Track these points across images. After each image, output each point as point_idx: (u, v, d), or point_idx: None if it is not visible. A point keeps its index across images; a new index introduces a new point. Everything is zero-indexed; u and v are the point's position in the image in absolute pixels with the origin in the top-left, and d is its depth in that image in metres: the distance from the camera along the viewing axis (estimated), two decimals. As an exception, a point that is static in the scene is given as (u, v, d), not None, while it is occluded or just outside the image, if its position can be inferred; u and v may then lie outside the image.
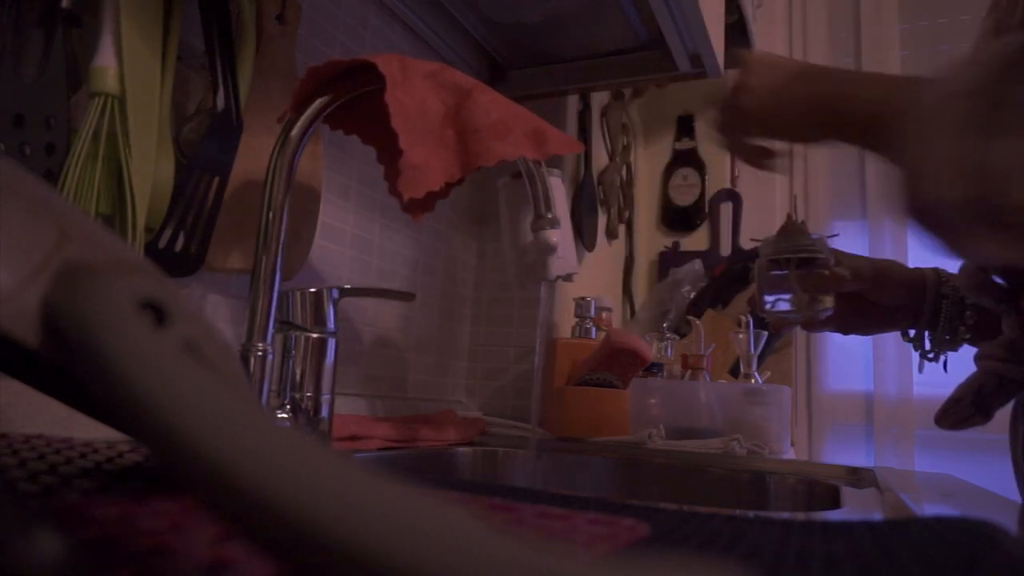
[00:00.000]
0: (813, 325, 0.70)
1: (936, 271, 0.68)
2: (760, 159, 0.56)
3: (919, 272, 0.68)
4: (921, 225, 0.40)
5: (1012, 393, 0.56)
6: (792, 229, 0.68)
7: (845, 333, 0.72)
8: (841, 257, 0.67)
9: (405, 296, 0.74)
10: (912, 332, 0.69)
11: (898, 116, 0.41)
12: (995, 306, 0.56)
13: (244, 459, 0.13)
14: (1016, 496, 0.58)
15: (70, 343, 0.16)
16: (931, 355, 0.68)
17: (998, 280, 0.57)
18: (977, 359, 0.58)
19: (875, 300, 0.67)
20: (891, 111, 0.42)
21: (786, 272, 0.65)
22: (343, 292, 0.68)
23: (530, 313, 1.15)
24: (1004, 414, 0.60)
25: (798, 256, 0.65)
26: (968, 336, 0.65)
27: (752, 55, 0.53)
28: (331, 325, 0.66)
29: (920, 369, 0.68)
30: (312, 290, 0.65)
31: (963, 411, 0.55)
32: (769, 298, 0.66)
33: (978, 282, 0.56)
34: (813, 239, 0.66)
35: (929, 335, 0.67)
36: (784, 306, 0.66)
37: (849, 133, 0.47)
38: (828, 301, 0.64)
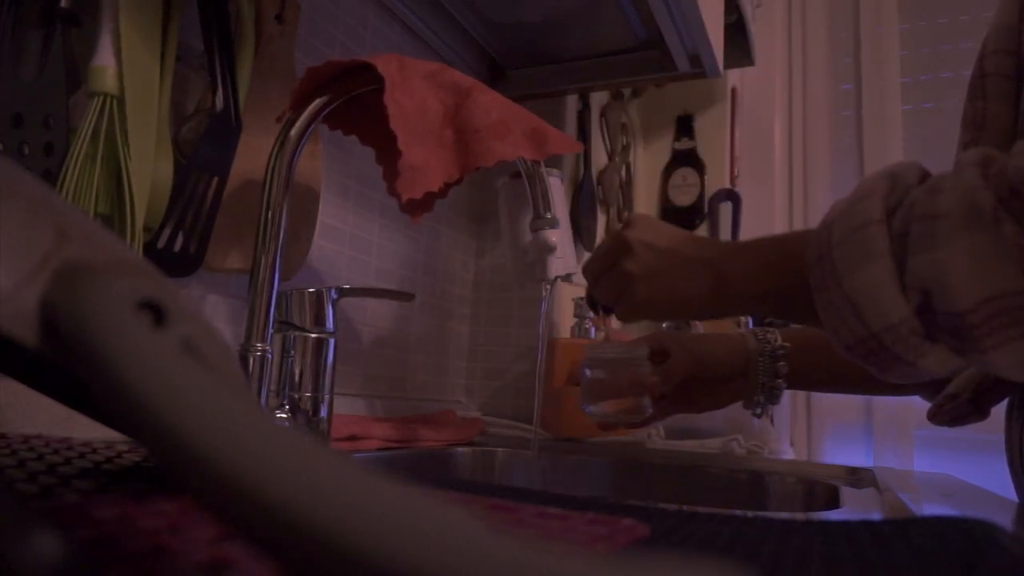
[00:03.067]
0: (637, 425, 0.72)
1: (755, 331, 0.71)
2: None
3: (741, 340, 0.70)
4: (867, 358, 0.39)
5: (1008, 391, 0.56)
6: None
7: (697, 412, 0.75)
8: (668, 343, 0.70)
9: (404, 296, 0.74)
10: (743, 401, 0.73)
11: (800, 269, 0.42)
12: None
13: (243, 459, 0.12)
14: (1015, 496, 0.58)
15: (69, 343, 0.16)
16: (759, 413, 0.72)
17: None
18: None
19: (703, 377, 0.70)
20: (789, 271, 0.44)
21: (604, 377, 0.66)
22: (342, 292, 0.68)
23: (530, 313, 1.15)
24: (1001, 412, 0.60)
25: (615, 361, 0.66)
26: (785, 386, 0.69)
27: (628, 237, 0.52)
28: (330, 325, 0.66)
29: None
30: (311, 290, 0.65)
31: (960, 407, 0.55)
32: (587, 405, 0.67)
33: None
34: (632, 344, 0.68)
35: (759, 398, 0.71)
36: (605, 409, 0.67)
37: (743, 308, 0.49)
38: (646, 405, 0.66)
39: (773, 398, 0.70)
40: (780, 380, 0.68)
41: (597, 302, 0.59)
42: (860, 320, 0.37)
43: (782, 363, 0.68)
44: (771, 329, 0.71)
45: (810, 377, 0.71)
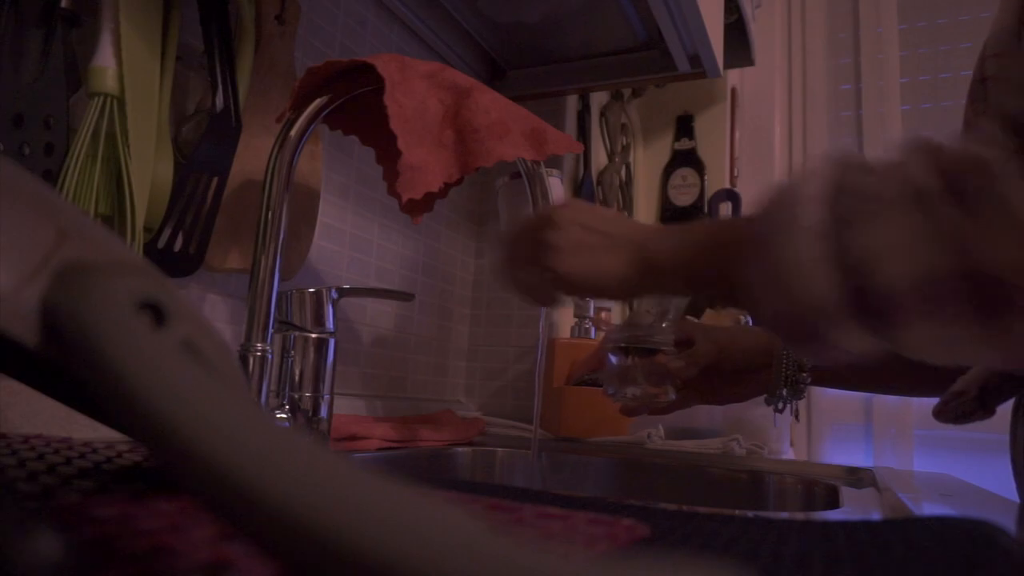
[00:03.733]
0: (660, 410, 0.73)
1: None
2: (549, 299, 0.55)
3: (764, 336, 0.70)
4: (788, 331, 0.39)
5: (1014, 390, 0.55)
6: (638, 318, 0.69)
7: (718, 404, 0.75)
8: (694, 331, 0.69)
9: (404, 296, 0.74)
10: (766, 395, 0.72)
11: (727, 244, 0.42)
12: None
13: (242, 459, 0.13)
14: (1015, 496, 0.58)
15: (69, 343, 0.16)
16: (781, 408, 0.71)
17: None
18: None
19: (740, 369, 0.70)
20: (716, 248, 0.43)
21: (630, 362, 0.66)
22: (342, 292, 0.68)
23: (530, 313, 1.15)
24: (1004, 413, 0.60)
25: (641, 346, 0.66)
26: (809, 381, 0.69)
27: (555, 215, 0.50)
28: (330, 325, 0.66)
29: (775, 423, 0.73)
30: (311, 290, 0.65)
31: (967, 405, 0.55)
32: (612, 389, 0.68)
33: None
34: (657, 328, 0.68)
35: (781, 392, 0.70)
36: (630, 394, 0.67)
37: (667, 286, 0.48)
38: (670, 391, 0.66)
39: (797, 392, 0.69)
40: (804, 374, 0.68)
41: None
42: (786, 295, 0.37)
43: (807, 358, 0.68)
44: None
45: (838, 374, 0.70)
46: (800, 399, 0.70)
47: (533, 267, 0.52)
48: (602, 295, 0.50)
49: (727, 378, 0.71)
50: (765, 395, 0.72)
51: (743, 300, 0.42)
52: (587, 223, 0.50)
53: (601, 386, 0.99)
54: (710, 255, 0.44)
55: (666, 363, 0.66)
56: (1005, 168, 0.32)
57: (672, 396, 0.66)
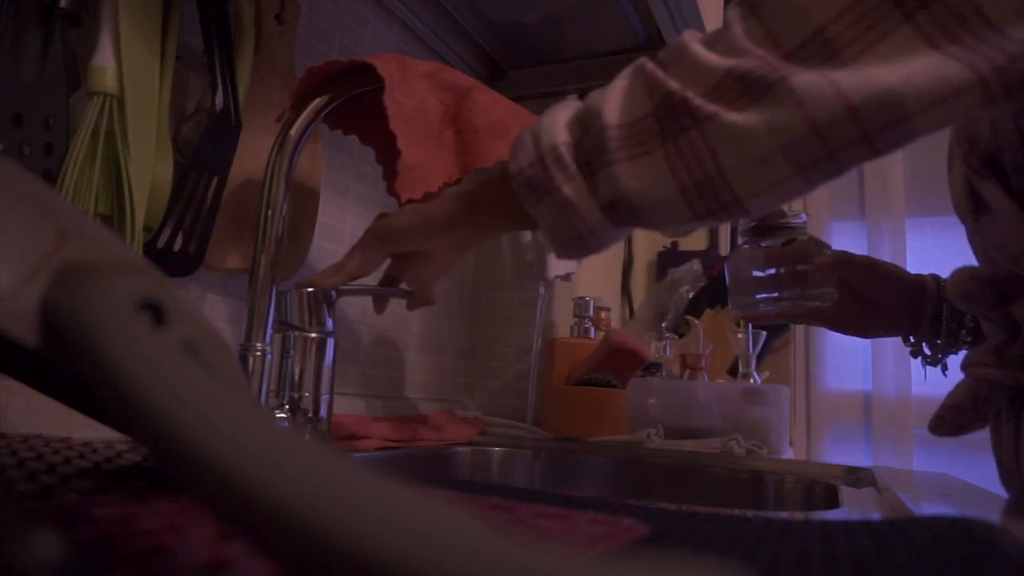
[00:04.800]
0: (810, 316, 0.67)
1: (935, 277, 0.67)
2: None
3: (918, 276, 0.67)
4: (528, 190, 0.46)
5: (1002, 397, 0.56)
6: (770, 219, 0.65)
7: (842, 331, 0.71)
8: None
9: (404, 294, 0.74)
10: (912, 338, 0.68)
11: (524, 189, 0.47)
12: (985, 314, 0.56)
13: (242, 459, 0.13)
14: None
15: (69, 343, 0.16)
16: (931, 360, 0.67)
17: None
18: (965, 367, 0.58)
19: (874, 298, 0.67)
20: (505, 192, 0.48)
21: (772, 271, 0.63)
22: (341, 291, 0.68)
23: (529, 313, 1.15)
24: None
25: (784, 252, 0.62)
26: (969, 340, 0.65)
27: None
28: (329, 325, 0.66)
29: (925, 376, 0.67)
30: (310, 290, 0.65)
31: (963, 417, 0.56)
32: (768, 296, 0.63)
33: (968, 291, 0.56)
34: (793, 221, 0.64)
35: (929, 341, 0.67)
36: (787, 299, 0.62)
37: (494, 219, 0.53)
38: (829, 290, 0.61)
39: (953, 346, 0.65)
40: (964, 332, 0.64)
41: None
42: (535, 145, 0.45)
43: (969, 316, 0.64)
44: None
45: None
46: (954, 353, 0.65)
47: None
48: (428, 237, 0.56)
49: (867, 307, 0.66)
50: (911, 340, 0.67)
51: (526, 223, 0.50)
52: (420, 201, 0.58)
53: (606, 384, 0.99)
54: (500, 193, 0.50)
55: (815, 264, 0.61)
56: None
57: (834, 293, 0.60)
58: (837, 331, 0.70)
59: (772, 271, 0.63)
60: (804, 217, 0.63)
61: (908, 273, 0.67)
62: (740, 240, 0.64)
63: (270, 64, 0.70)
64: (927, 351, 0.67)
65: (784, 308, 0.64)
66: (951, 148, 0.56)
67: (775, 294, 0.63)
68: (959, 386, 0.57)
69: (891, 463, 1.72)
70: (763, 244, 0.62)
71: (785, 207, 0.61)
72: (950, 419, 0.56)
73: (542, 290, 0.70)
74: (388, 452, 0.75)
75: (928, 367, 0.67)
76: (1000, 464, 0.59)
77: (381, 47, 0.94)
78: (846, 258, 0.65)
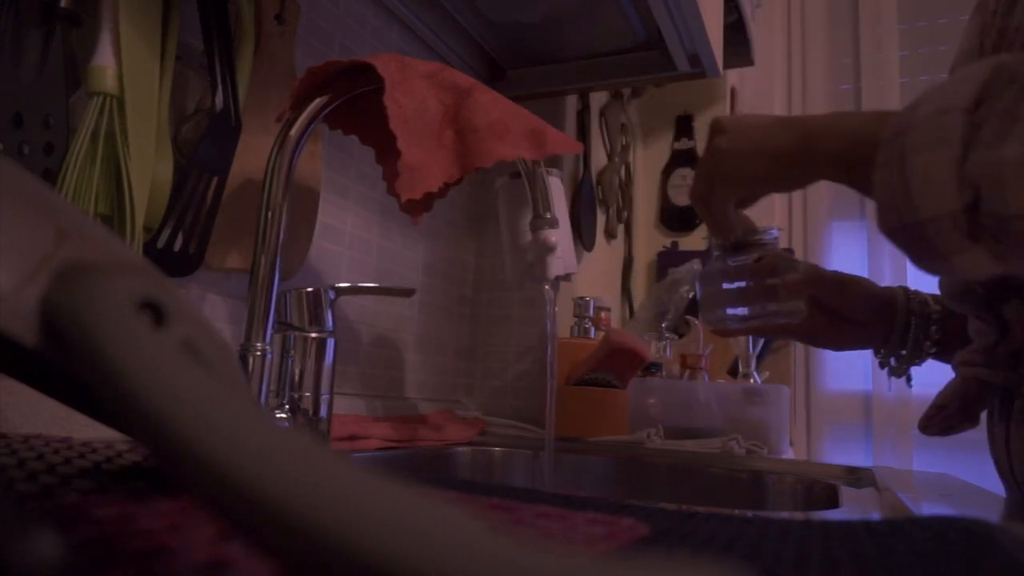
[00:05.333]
0: (781, 331, 0.68)
1: (904, 289, 0.68)
2: (738, 232, 0.56)
3: (888, 289, 0.68)
4: (906, 245, 0.39)
5: (993, 397, 0.56)
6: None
7: (815, 345, 0.71)
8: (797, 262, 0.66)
9: (403, 292, 0.74)
10: (882, 351, 0.69)
11: (878, 142, 0.41)
12: (976, 314, 0.56)
13: (242, 458, 0.13)
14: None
15: (69, 343, 0.16)
16: (895, 371, 0.68)
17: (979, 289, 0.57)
18: (956, 365, 0.58)
19: (846, 313, 0.67)
20: (871, 138, 0.42)
21: (742, 284, 0.62)
22: (341, 291, 0.68)
23: (530, 313, 1.15)
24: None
25: (752, 264, 0.62)
26: (933, 351, 0.66)
27: (722, 119, 0.53)
28: (329, 325, 0.66)
29: (890, 387, 0.68)
30: (309, 290, 0.65)
31: (951, 418, 0.56)
32: (736, 311, 0.63)
33: (962, 291, 0.56)
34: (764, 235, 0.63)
35: (896, 353, 0.67)
36: (754, 312, 0.62)
37: (829, 169, 0.46)
38: (798, 306, 0.61)
39: (917, 357, 0.66)
40: (929, 343, 0.65)
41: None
42: (909, 204, 0.37)
43: (935, 327, 0.65)
44: (921, 292, 0.67)
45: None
46: (918, 364, 0.66)
47: (707, 180, 0.53)
48: (759, 181, 0.50)
49: (838, 321, 0.67)
50: (880, 352, 0.68)
51: (875, 187, 0.41)
52: (749, 122, 0.51)
53: (606, 384, 0.99)
54: (857, 150, 0.43)
55: (786, 280, 0.61)
56: None
57: (804, 309, 0.61)
58: (810, 344, 0.70)
59: (741, 285, 0.63)
60: (776, 233, 0.64)
61: (878, 287, 0.68)
62: (713, 255, 0.64)
63: (270, 64, 0.70)
64: (893, 363, 0.68)
65: (753, 324, 0.64)
66: None
67: (744, 310, 0.63)
68: (949, 385, 0.57)
69: (891, 463, 1.73)
70: (733, 260, 0.63)
71: (758, 222, 0.62)
72: (939, 419, 0.56)
73: (548, 293, 0.70)
74: (388, 452, 0.75)
75: (893, 378, 0.68)
76: (997, 464, 0.59)
77: (381, 47, 0.94)
78: (816, 274, 0.65)
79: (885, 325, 0.67)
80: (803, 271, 0.63)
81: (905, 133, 0.38)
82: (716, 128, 0.52)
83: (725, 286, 0.63)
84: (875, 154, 0.41)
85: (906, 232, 0.38)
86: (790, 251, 0.65)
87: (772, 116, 0.51)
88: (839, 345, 0.69)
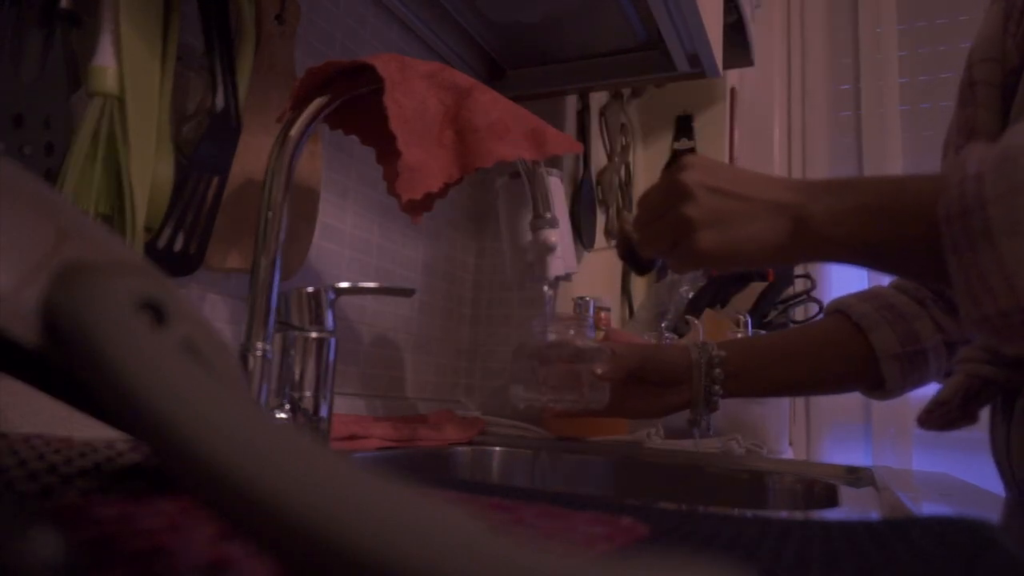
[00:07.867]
0: (586, 413, 0.69)
1: (701, 345, 0.69)
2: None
3: (685, 350, 0.69)
4: (1002, 332, 0.37)
5: (994, 395, 0.56)
6: (560, 325, 0.67)
7: (630, 417, 0.73)
8: (616, 344, 0.69)
9: (402, 292, 0.74)
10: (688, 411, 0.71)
11: (912, 219, 0.39)
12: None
13: (242, 458, 0.13)
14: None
15: (69, 343, 0.16)
16: (699, 422, 0.70)
17: None
18: (958, 362, 0.58)
19: (652, 379, 0.69)
20: (897, 215, 0.40)
21: (561, 368, 0.64)
22: (341, 291, 0.68)
23: (530, 313, 1.15)
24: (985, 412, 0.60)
25: (575, 350, 0.64)
26: (721, 394, 0.67)
27: (687, 182, 0.47)
28: (330, 325, 0.66)
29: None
30: (309, 290, 0.65)
31: (950, 413, 0.56)
32: (538, 394, 0.65)
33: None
34: (580, 334, 0.66)
35: (702, 408, 0.69)
36: (555, 396, 0.65)
37: (843, 252, 0.43)
38: (604, 392, 0.64)
39: (712, 405, 0.68)
40: (717, 387, 0.67)
41: (636, 256, 0.53)
42: (1011, 291, 0.35)
43: (718, 370, 0.67)
44: (709, 342, 0.69)
45: (754, 385, 0.69)
46: (714, 410, 0.69)
47: (669, 244, 0.48)
48: (748, 266, 0.46)
49: (646, 390, 0.69)
50: (689, 413, 0.70)
51: (936, 281, 0.40)
52: (723, 187, 0.46)
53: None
54: (894, 229, 0.41)
55: (592, 368, 0.64)
56: None
57: (606, 397, 0.64)
58: (620, 416, 0.73)
59: (551, 368, 0.65)
60: (591, 322, 0.67)
61: (674, 351, 0.70)
62: (535, 327, 0.67)
63: (270, 64, 0.70)
64: (700, 418, 0.70)
65: (556, 408, 0.66)
66: (948, 137, 0.57)
67: (547, 395, 0.65)
68: (951, 382, 0.57)
69: (890, 463, 1.73)
70: (551, 337, 0.66)
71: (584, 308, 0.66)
72: (939, 414, 0.56)
73: (548, 294, 0.70)
74: (388, 452, 0.75)
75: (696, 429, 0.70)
76: (998, 464, 0.59)
77: (381, 47, 0.94)
78: (621, 364, 0.66)
79: (685, 385, 0.69)
80: (610, 364, 0.65)
81: (982, 212, 0.36)
82: (682, 192, 0.47)
83: (534, 365, 0.65)
84: (914, 235, 0.39)
85: (1006, 319, 0.36)
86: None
87: (749, 188, 0.46)
88: (658, 410, 0.70)
